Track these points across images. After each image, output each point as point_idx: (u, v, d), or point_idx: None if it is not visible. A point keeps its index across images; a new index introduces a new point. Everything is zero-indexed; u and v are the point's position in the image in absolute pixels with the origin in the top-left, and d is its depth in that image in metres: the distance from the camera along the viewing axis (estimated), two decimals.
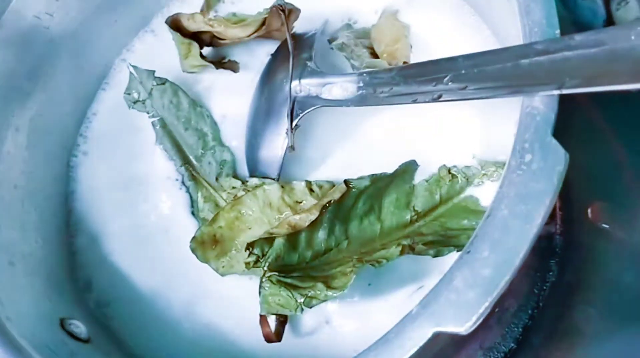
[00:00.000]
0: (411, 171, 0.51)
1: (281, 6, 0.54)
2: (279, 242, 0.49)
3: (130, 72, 0.58)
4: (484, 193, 0.49)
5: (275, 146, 0.53)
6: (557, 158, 0.34)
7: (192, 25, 0.58)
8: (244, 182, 0.54)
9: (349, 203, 0.50)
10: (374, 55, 0.56)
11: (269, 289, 0.46)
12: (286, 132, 0.52)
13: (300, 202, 0.52)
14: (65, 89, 0.60)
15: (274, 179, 0.52)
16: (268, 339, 0.49)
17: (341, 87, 0.49)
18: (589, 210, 0.53)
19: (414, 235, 0.48)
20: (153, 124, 0.58)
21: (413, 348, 0.33)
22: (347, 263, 0.47)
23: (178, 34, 0.58)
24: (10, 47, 0.53)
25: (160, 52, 0.62)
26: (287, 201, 0.51)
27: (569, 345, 0.51)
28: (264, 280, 0.47)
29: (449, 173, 0.50)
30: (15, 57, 0.54)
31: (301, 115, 0.51)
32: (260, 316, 0.49)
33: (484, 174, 0.49)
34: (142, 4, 0.63)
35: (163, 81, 0.57)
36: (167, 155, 0.58)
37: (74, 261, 0.57)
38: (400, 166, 0.51)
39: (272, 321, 0.49)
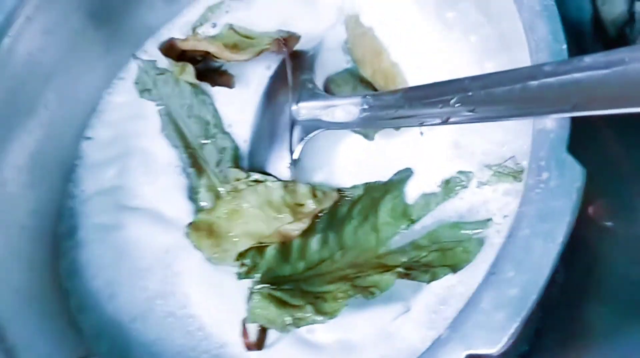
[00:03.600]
0: (405, 179, 0.51)
1: (284, 39, 0.54)
2: (270, 253, 0.49)
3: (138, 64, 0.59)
4: (483, 198, 0.49)
5: (279, 173, 0.53)
6: (575, 174, 0.35)
7: (186, 45, 0.59)
8: (248, 175, 0.53)
9: (343, 212, 0.50)
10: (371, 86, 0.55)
11: (259, 302, 0.46)
12: (288, 166, 0.52)
13: (302, 205, 0.51)
14: (61, 121, 0.59)
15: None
16: (248, 348, 0.48)
17: (344, 109, 0.49)
18: (590, 209, 0.53)
19: (412, 248, 0.48)
20: (159, 112, 0.59)
21: None
22: (340, 281, 0.47)
23: (171, 59, 0.59)
24: (6, 85, 0.53)
25: None
26: (288, 201, 0.51)
27: (583, 344, 0.51)
28: (254, 290, 0.47)
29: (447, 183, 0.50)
30: (12, 95, 0.54)
31: (305, 139, 0.51)
32: (243, 323, 0.48)
33: (479, 181, 0.49)
34: (133, 31, 0.63)
35: (162, 71, 0.59)
36: (171, 143, 0.58)
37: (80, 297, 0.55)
38: (395, 174, 0.51)
39: (253, 327, 0.48)
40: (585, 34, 0.58)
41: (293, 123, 0.52)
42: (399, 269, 0.45)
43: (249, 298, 0.47)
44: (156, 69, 0.59)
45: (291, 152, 0.51)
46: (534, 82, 0.36)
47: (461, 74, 0.46)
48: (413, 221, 0.50)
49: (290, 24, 0.59)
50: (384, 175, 0.52)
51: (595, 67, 0.33)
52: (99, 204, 0.57)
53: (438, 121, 0.42)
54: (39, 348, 0.47)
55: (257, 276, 0.48)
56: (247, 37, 0.59)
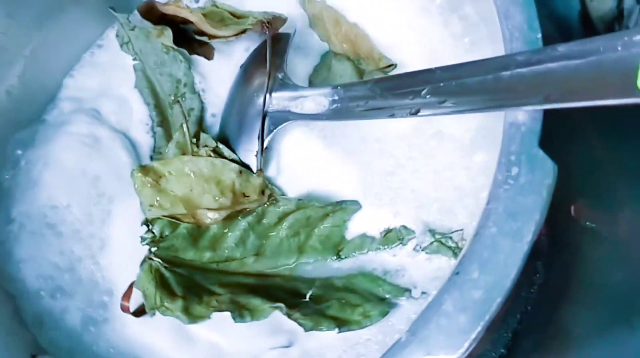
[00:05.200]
0: (352, 212, 0.49)
1: (268, 21, 0.52)
2: (181, 231, 0.48)
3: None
4: (414, 264, 0.47)
5: (246, 158, 0.51)
6: (546, 171, 0.33)
7: (167, 10, 0.57)
8: (217, 145, 0.51)
9: (271, 221, 0.49)
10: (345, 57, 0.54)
11: (145, 274, 0.46)
12: (255, 155, 0.50)
13: (247, 196, 0.49)
14: (25, 108, 0.58)
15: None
16: (123, 309, 0.48)
17: (314, 100, 0.47)
18: (572, 208, 0.52)
19: (322, 284, 0.47)
20: (134, 67, 0.58)
21: None
22: (233, 287, 0.46)
23: (149, 22, 0.57)
24: None
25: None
26: (236, 188, 0.49)
27: (560, 347, 0.50)
28: (147, 260, 0.47)
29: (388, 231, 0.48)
30: None
31: (274, 131, 0.49)
32: (130, 285, 0.48)
33: (418, 243, 0.47)
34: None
35: (132, 27, 0.57)
36: (144, 99, 0.57)
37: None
38: (340, 202, 0.49)
39: (139, 294, 0.47)
40: (572, 30, 0.57)
41: (265, 113, 0.50)
42: (280, 304, 0.44)
43: (142, 262, 0.47)
44: (128, 24, 0.58)
45: (261, 141, 0.50)
46: (506, 73, 0.34)
47: (424, 30, 0.46)
48: (339, 258, 0.48)
49: (274, 6, 0.57)
50: (327, 196, 0.50)
51: (570, 56, 0.32)
52: (70, 115, 0.57)
53: (408, 112, 0.40)
54: None
55: (153, 250, 0.48)
56: (231, 14, 0.57)
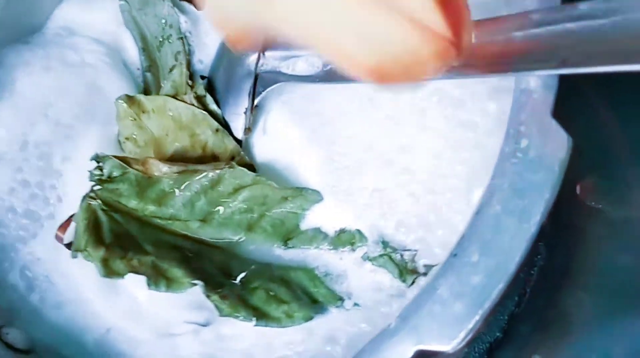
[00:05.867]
0: (312, 202, 0.46)
1: None
2: (130, 177, 0.46)
3: None
4: (357, 274, 0.44)
5: (233, 128, 0.49)
6: (559, 143, 0.31)
7: None
8: (205, 95, 0.50)
9: (226, 190, 0.46)
10: None
11: (83, 211, 0.44)
12: (244, 112, 0.48)
13: (216, 159, 0.48)
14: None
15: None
16: (57, 239, 0.47)
17: (307, 61, 0.45)
18: (578, 188, 0.50)
19: (260, 267, 0.45)
20: (121, 8, 0.55)
21: None
22: (163, 249, 0.44)
23: None
24: None
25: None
26: (208, 146, 0.48)
27: (559, 333, 0.49)
28: (87, 198, 0.45)
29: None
30: None
31: (263, 93, 0.47)
32: (70, 216, 0.46)
33: (367, 252, 0.44)
34: None
35: None
36: (135, 41, 0.55)
37: None
38: (300, 188, 0.46)
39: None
40: None
41: (256, 73, 0.48)
42: (200, 282, 0.42)
43: (84, 198, 0.45)
44: None
45: (251, 99, 0.48)
46: (519, 33, 0.31)
47: None
48: (286, 246, 0.46)
49: None
50: (289, 177, 0.48)
51: (592, 16, 0.29)
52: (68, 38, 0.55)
53: None
54: None
55: (95, 188, 0.46)
56: None
